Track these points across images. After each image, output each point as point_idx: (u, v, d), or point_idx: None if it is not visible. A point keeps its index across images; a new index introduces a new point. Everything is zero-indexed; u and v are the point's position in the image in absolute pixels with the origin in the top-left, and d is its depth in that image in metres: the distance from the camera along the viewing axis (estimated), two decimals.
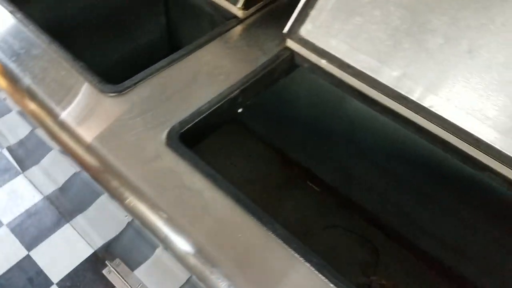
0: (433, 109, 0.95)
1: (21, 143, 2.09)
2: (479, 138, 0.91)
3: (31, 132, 1.46)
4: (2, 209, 2.59)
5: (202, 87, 1.13)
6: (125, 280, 2.00)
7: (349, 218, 2.21)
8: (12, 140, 2.23)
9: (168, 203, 0.90)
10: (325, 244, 2.13)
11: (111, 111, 1.04)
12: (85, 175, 0.97)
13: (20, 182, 2.68)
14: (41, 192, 2.68)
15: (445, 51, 0.95)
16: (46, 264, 2.42)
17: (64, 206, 2.46)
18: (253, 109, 1.41)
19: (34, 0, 1.44)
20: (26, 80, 1.07)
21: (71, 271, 2.40)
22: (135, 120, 1.03)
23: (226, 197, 0.91)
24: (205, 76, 1.16)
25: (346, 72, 1.10)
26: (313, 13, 1.12)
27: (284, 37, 1.23)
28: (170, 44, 2.21)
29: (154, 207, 0.89)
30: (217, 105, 1.08)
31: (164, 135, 1.00)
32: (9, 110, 1.51)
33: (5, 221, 2.55)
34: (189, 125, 1.02)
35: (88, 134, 1.00)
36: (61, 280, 2.37)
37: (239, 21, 1.33)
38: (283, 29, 1.20)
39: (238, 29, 1.31)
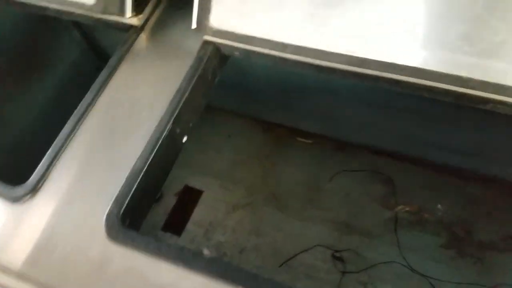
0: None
1: None
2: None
3: None
4: None
5: (126, 138, 0.91)
6: None
7: (350, 159, 2.07)
8: None
9: None
10: (338, 194, 2.00)
11: (32, 220, 0.83)
12: None
13: None
14: None
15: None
16: None
17: None
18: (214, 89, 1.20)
19: None
20: None
21: None
22: (63, 218, 0.83)
23: (206, 277, 0.73)
24: (125, 121, 0.93)
25: (285, 52, 0.86)
26: None
27: (198, 32, 0.97)
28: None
29: None
30: (152, 156, 0.86)
31: (102, 226, 0.79)
32: None
33: None
34: (127, 200, 0.81)
35: (14, 260, 0.80)
36: None
37: (139, 30, 1.06)
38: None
39: (142, 39, 1.05)
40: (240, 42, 0.90)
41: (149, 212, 0.86)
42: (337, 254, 1.88)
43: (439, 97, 0.84)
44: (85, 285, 0.74)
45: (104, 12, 0.98)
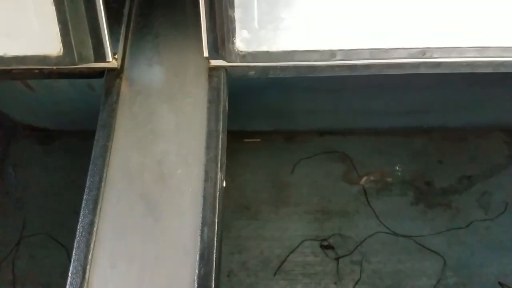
0: None
1: None
2: None
3: None
4: None
5: (171, 206, 0.73)
6: None
7: (303, 147, 2.06)
8: None
9: None
10: (304, 184, 1.98)
11: None
12: None
13: None
14: None
15: None
16: None
17: None
18: None
19: None
20: None
21: None
22: None
23: None
24: (160, 186, 0.74)
25: (335, 59, 0.77)
26: (239, 14, 0.72)
27: (207, 60, 0.82)
28: None
29: None
30: (217, 219, 0.70)
31: None
32: None
33: None
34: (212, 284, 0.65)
35: None
36: None
37: (118, 72, 0.86)
38: (180, 53, 0.80)
39: (125, 84, 0.85)
40: (274, 61, 0.78)
41: None
42: (325, 243, 1.87)
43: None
44: None
45: (78, 62, 0.76)
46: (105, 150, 0.77)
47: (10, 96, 1.64)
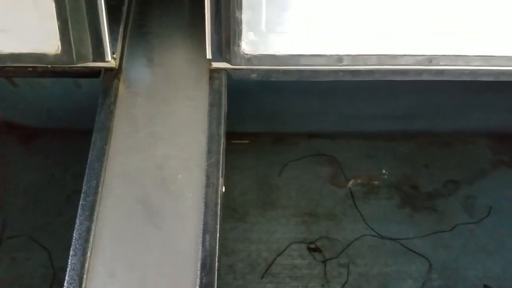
0: None
1: None
2: None
3: None
4: None
5: (173, 212, 0.71)
6: None
7: (291, 149, 2.06)
8: None
9: None
10: (292, 187, 1.98)
11: None
12: None
13: None
14: None
15: None
16: None
17: None
18: None
19: None
20: None
21: None
22: None
23: None
24: (161, 192, 0.72)
25: (341, 64, 0.76)
26: (247, 16, 0.70)
27: (209, 62, 0.80)
28: None
29: None
30: (219, 225, 0.69)
31: None
32: None
33: None
34: None
35: None
36: None
37: (116, 72, 0.83)
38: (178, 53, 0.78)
39: (123, 85, 0.82)
40: (280, 65, 0.76)
41: None
42: (312, 246, 1.87)
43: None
44: None
45: (76, 61, 0.73)
46: (103, 154, 0.74)
47: None
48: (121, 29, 0.87)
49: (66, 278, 0.65)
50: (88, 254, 0.66)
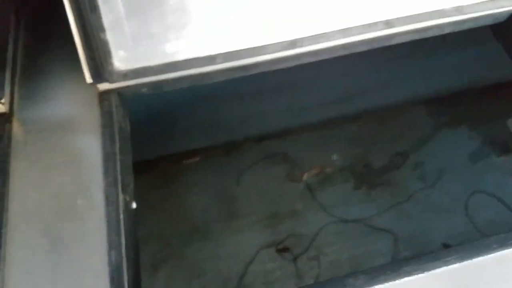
0: None
1: None
2: None
3: None
4: None
5: (75, 235, 0.71)
6: None
7: (244, 156, 2.07)
8: None
9: None
10: (252, 193, 1.99)
11: None
12: None
13: None
14: None
15: None
16: None
17: None
18: None
19: None
20: None
21: None
22: None
23: None
24: (60, 218, 0.73)
25: (215, 63, 0.79)
26: (112, 36, 0.73)
27: (93, 86, 0.82)
28: None
29: None
30: (124, 242, 0.69)
31: None
32: None
33: None
34: None
35: None
36: None
37: (8, 116, 0.84)
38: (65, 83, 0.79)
39: (16, 127, 0.83)
40: (157, 74, 0.79)
41: None
42: (280, 247, 1.88)
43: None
44: None
45: None
46: (2, 196, 0.75)
47: None
48: (7, 75, 0.89)
49: None
50: None
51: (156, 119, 1.67)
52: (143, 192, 1.93)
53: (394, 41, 0.88)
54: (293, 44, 0.79)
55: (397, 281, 0.67)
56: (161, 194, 1.99)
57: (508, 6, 0.88)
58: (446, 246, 1.69)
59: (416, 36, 0.89)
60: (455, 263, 0.69)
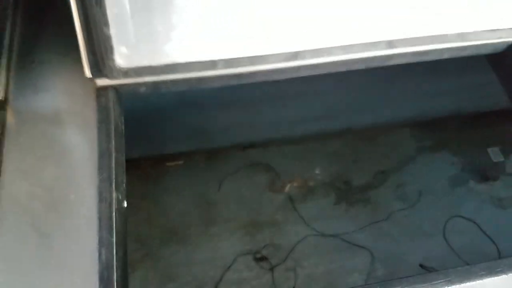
0: None
1: None
2: None
3: None
4: None
5: (66, 230, 0.70)
6: None
7: (227, 163, 2.07)
8: None
9: None
10: (232, 200, 1.99)
11: None
12: None
13: None
14: None
15: None
16: None
17: None
18: None
19: None
20: None
21: None
22: None
23: None
24: (52, 213, 0.71)
25: (216, 68, 0.79)
26: (115, 31, 0.72)
27: (91, 80, 0.80)
28: None
29: None
30: (115, 240, 0.68)
31: None
32: None
33: None
34: None
35: None
36: None
37: (3, 103, 0.82)
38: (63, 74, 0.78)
39: (11, 116, 0.81)
40: (157, 74, 0.78)
41: None
42: (258, 255, 1.87)
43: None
44: None
45: None
46: None
47: None
48: (3, 62, 0.87)
49: None
50: None
51: (143, 119, 1.66)
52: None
53: (393, 62, 0.91)
54: (295, 56, 0.80)
55: None
56: (141, 194, 1.96)
57: (506, 38, 0.91)
58: (423, 267, 1.72)
59: (416, 59, 0.92)
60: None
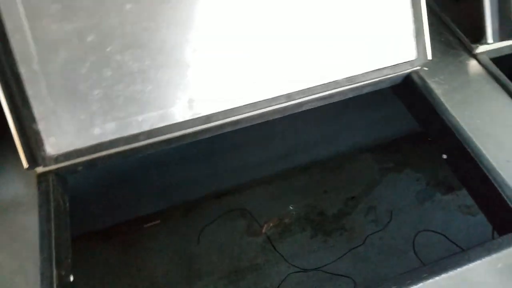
0: None
1: None
2: None
3: None
4: None
5: None
6: None
7: (204, 214, 2.13)
8: None
9: None
10: (212, 250, 2.03)
11: None
12: None
13: None
14: None
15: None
16: None
17: None
18: None
19: None
20: None
21: None
22: None
23: None
24: None
25: (139, 141, 0.89)
26: (43, 125, 0.82)
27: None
28: None
29: None
30: None
31: None
32: None
33: None
34: None
35: None
36: None
37: None
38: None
39: None
40: (86, 155, 0.88)
41: None
42: None
43: None
44: None
45: None
46: None
47: None
48: None
49: None
50: None
51: (110, 188, 1.73)
52: (104, 259, 1.98)
53: (304, 108, 1.01)
54: (208, 119, 0.90)
55: None
56: (121, 260, 2.00)
57: (399, 71, 1.02)
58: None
59: (324, 102, 1.02)
60: None
